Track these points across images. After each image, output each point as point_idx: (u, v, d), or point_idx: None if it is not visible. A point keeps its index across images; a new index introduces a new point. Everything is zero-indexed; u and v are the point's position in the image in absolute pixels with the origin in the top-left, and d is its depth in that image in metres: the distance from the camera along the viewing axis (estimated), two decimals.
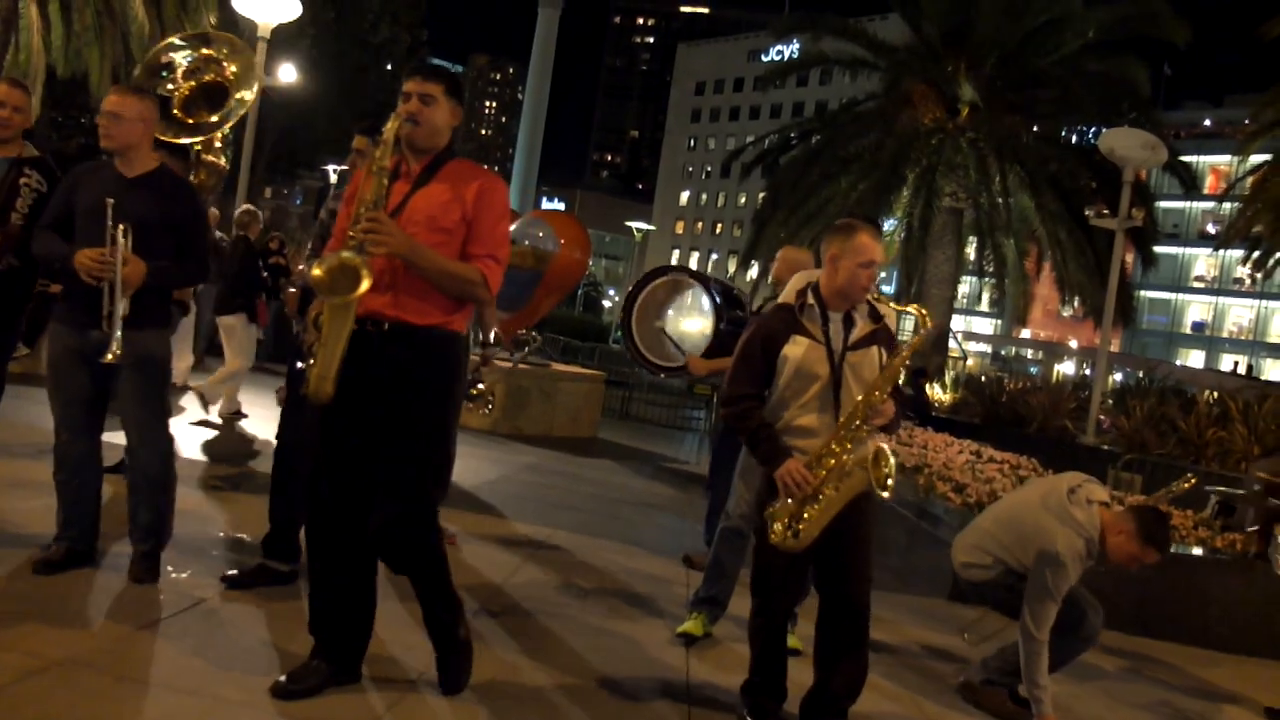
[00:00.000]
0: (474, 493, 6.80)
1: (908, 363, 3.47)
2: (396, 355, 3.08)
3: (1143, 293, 38.27)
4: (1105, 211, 15.71)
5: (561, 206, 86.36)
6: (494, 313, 5.95)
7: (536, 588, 4.79)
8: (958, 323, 41.98)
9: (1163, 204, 25.80)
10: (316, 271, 2.93)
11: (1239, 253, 22.15)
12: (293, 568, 4.14)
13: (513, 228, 11.55)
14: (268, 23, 13.02)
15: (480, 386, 5.89)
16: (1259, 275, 22.25)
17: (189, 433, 7.15)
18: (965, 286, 39.88)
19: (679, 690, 3.81)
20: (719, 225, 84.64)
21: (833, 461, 3.33)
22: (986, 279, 20.19)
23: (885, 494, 3.28)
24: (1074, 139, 22.01)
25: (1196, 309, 59.91)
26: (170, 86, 5.18)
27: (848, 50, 20.64)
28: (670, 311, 6.96)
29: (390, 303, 3.06)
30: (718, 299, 6.47)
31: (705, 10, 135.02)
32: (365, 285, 2.90)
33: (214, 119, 5.18)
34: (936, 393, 16.35)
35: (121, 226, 3.62)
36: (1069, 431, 13.75)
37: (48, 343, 3.91)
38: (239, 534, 4.57)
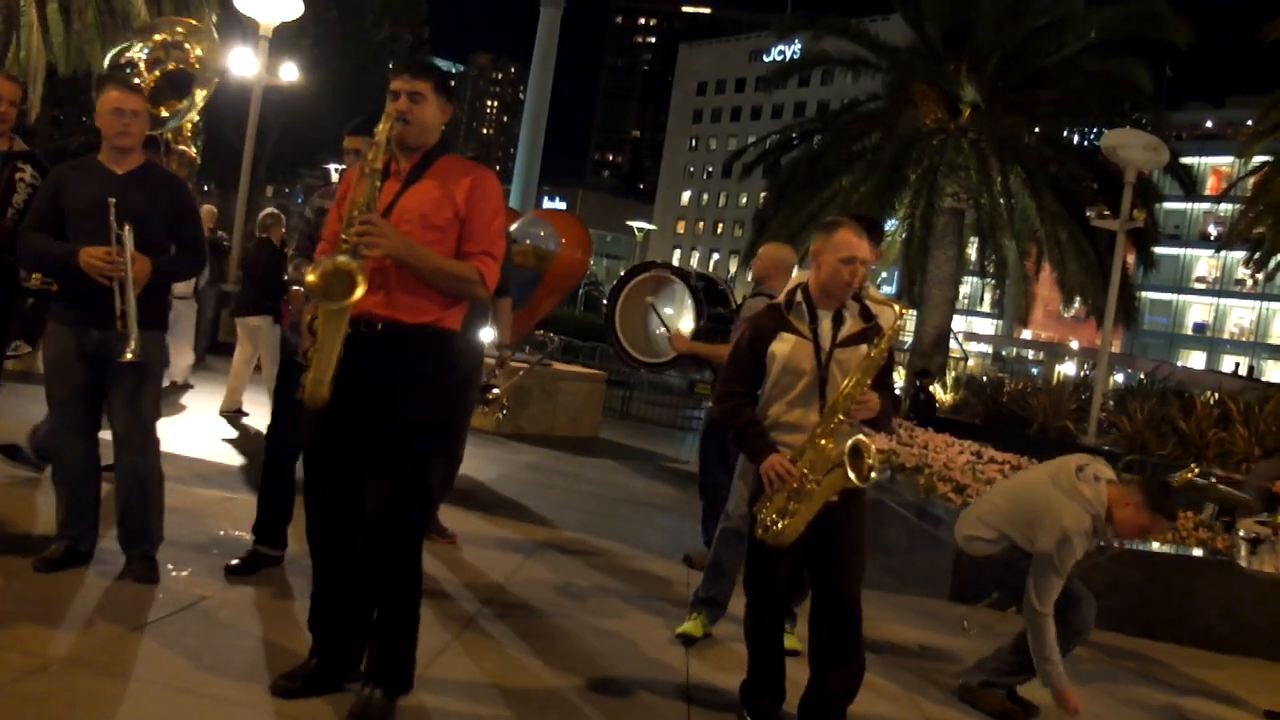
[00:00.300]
0: (475, 492, 6.80)
1: (886, 354, 3.47)
2: (390, 355, 3.05)
3: (1144, 294, 38.23)
4: (1106, 212, 15.69)
5: (563, 206, 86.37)
6: (509, 314, 5.96)
7: (537, 587, 4.79)
8: (959, 323, 41.93)
9: (1164, 205, 25.76)
10: (311, 277, 2.88)
11: (1240, 254, 22.11)
12: (281, 553, 4.28)
13: (514, 227, 11.60)
14: (269, 22, 13.05)
15: (495, 391, 5.88)
16: (1260, 277, 22.23)
17: (189, 431, 7.15)
18: (966, 287, 39.89)
19: (678, 690, 3.81)
20: (720, 225, 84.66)
21: (815, 455, 3.36)
22: (988, 279, 20.19)
23: (862, 483, 3.30)
24: (1076, 140, 22.01)
25: (1198, 310, 59.90)
26: (137, 81, 5.17)
27: (849, 50, 20.63)
28: (655, 308, 6.99)
29: (382, 302, 3.03)
30: (700, 295, 6.50)
31: (707, 10, 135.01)
32: (361, 290, 2.86)
33: (182, 104, 5.18)
34: (937, 393, 16.34)
35: (126, 225, 3.62)
36: (1070, 432, 13.74)
37: (45, 342, 3.90)
38: (238, 532, 4.56)
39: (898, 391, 6.00)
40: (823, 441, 3.37)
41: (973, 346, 54.12)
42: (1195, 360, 54.27)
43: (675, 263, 70.48)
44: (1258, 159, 17.80)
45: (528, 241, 10.82)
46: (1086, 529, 3.96)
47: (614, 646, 4.13)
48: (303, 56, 25.08)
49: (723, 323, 6.31)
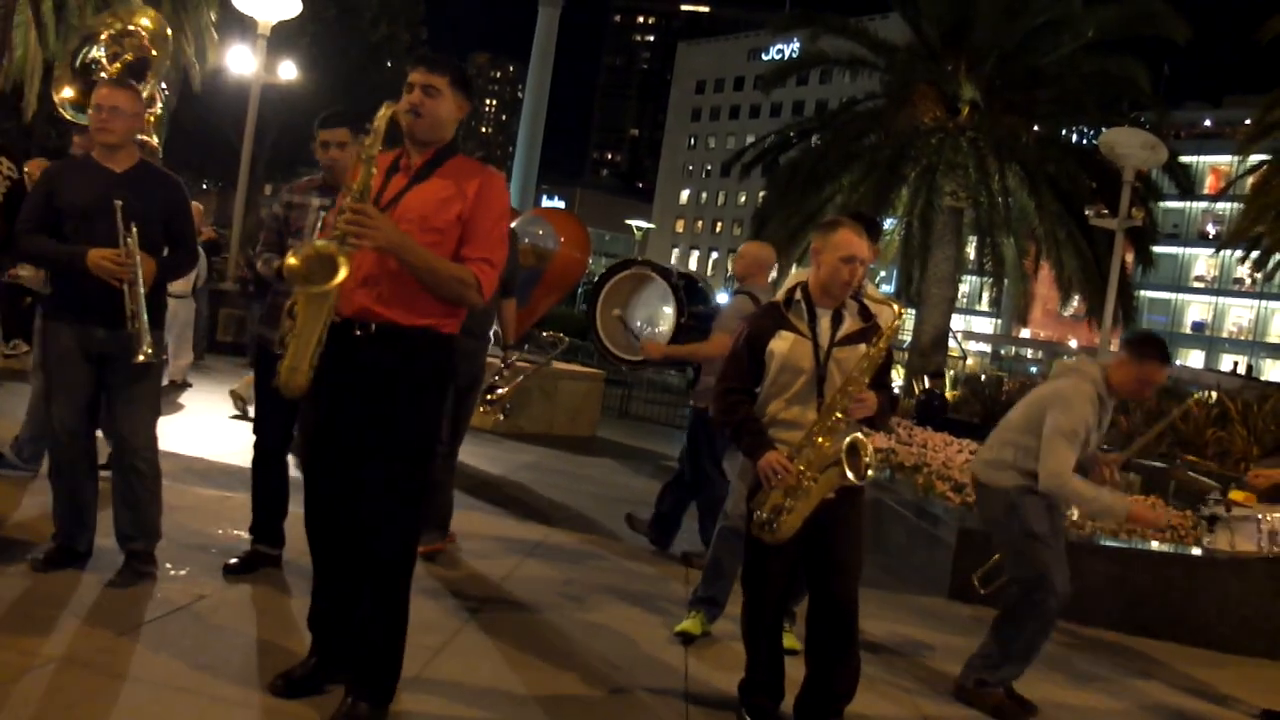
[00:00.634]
0: (473, 491, 6.79)
1: (884, 353, 3.49)
2: (384, 357, 2.97)
3: (1143, 292, 38.23)
4: (1105, 211, 15.69)
5: (562, 205, 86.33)
6: (514, 314, 5.96)
7: (535, 586, 4.79)
8: (957, 322, 41.88)
9: (1162, 204, 25.77)
10: (291, 260, 2.81)
11: (1239, 253, 22.12)
12: (280, 551, 4.27)
13: (513, 225, 11.57)
14: (268, 20, 13.03)
15: (500, 392, 5.86)
16: (1259, 275, 22.24)
17: (188, 430, 7.15)
18: (965, 286, 39.80)
19: (677, 689, 3.81)
20: (719, 224, 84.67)
21: (812, 453, 3.37)
22: (986, 278, 20.17)
23: (859, 481, 3.32)
24: (1074, 139, 22.00)
25: (1196, 309, 59.97)
26: (103, 75, 5.17)
27: (847, 49, 20.62)
28: (633, 305, 7.01)
29: (378, 301, 2.95)
30: (681, 292, 6.51)
31: (705, 9, 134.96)
32: (343, 274, 2.77)
33: (144, 89, 5.17)
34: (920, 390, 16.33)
35: (134, 226, 3.63)
36: None
37: (45, 340, 3.89)
38: (237, 531, 4.56)
39: (896, 391, 6.01)
40: (820, 439, 3.38)
41: (971, 345, 54.09)
42: (1194, 359, 54.31)
43: (675, 262, 70.57)
44: (1256, 158, 17.81)
45: (526, 240, 10.79)
46: (1088, 394, 4.05)
47: (612, 645, 4.13)
48: (301, 55, 25.07)
49: (703, 320, 6.34)
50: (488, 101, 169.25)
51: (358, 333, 2.96)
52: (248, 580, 4.08)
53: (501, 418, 6.07)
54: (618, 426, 12.66)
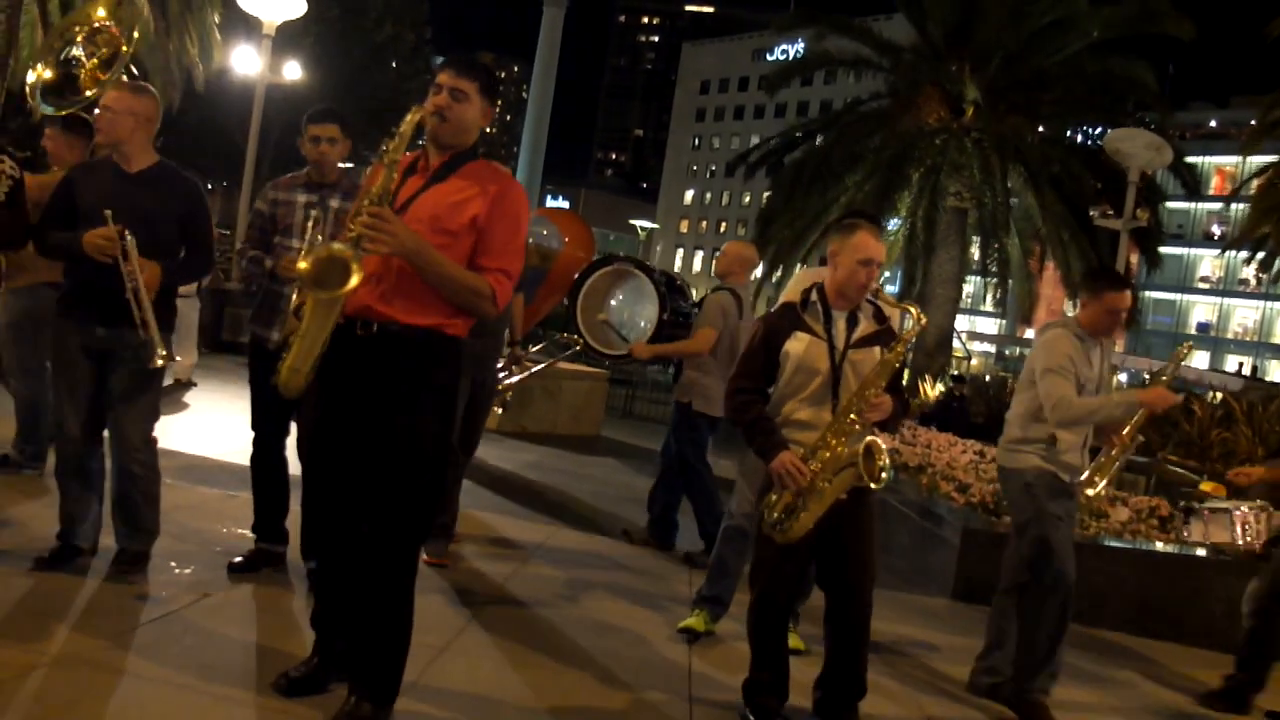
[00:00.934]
0: (476, 491, 6.79)
1: (902, 358, 3.53)
2: (388, 358, 2.91)
3: (1147, 293, 38.27)
4: (1110, 212, 15.67)
5: (566, 205, 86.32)
6: (521, 311, 5.98)
7: (539, 585, 4.79)
8: (962, 322, 41.86)
9: (1168, 204, 25.73)
10: (303, 264, 2.75)
11: (1244, 254, 22.07)
12: (283, 549, 4.27)
13: None
14: (272, 20, 13.05)
15: (502, 384, 5.87)
16: (1264, 276, 22.20)
17: (192, 429, 7.16)
18: (969, 286, 39.75)
19: (681, 689, 3.81)
20: (723, 224, 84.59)
21: (827, 454, 3.38)
22: (990, 279, 20.17)
23: (874, 484, 3.33)
24: (1079, 139, 21.98)
25: (1201, 310, 59.84)
26: (82, 73, 5.19)
27: (852, 50, 20.63)
28: (615, 301, 7.05)
29: (382, 300, 2.88)
30: (663, 289, 6.57)
31: (710, 9, 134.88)
32: (355, 281, 2.70)
33: (107, 76, 5.18)
34: (939, 392, 16.32)
35: (126, 232, 3.63)
36: None
37: (53, 338, 3.92)
38: (240, 530, 4.57)
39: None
40: (834, 441, 3.39)
41: (975, 346, 54.07)
42: (1199, 360, 54.19)
43: (679, 262, 70.24)
44: (1262, 159, 17.78)
45: (531, 240, 10.80)
46: (1063, 335, 4.20)
47: (616, 645, 4.13)
48: (305, 55, 25.11)
49: (684, 315, 6.49)
50: (494, 115, 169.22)
51: (360, 332, 2.90)
52: (251, 579, 4.08)
53: (499, 410, 6.09)
54: (621, 426, 12.65)
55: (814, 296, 3.58)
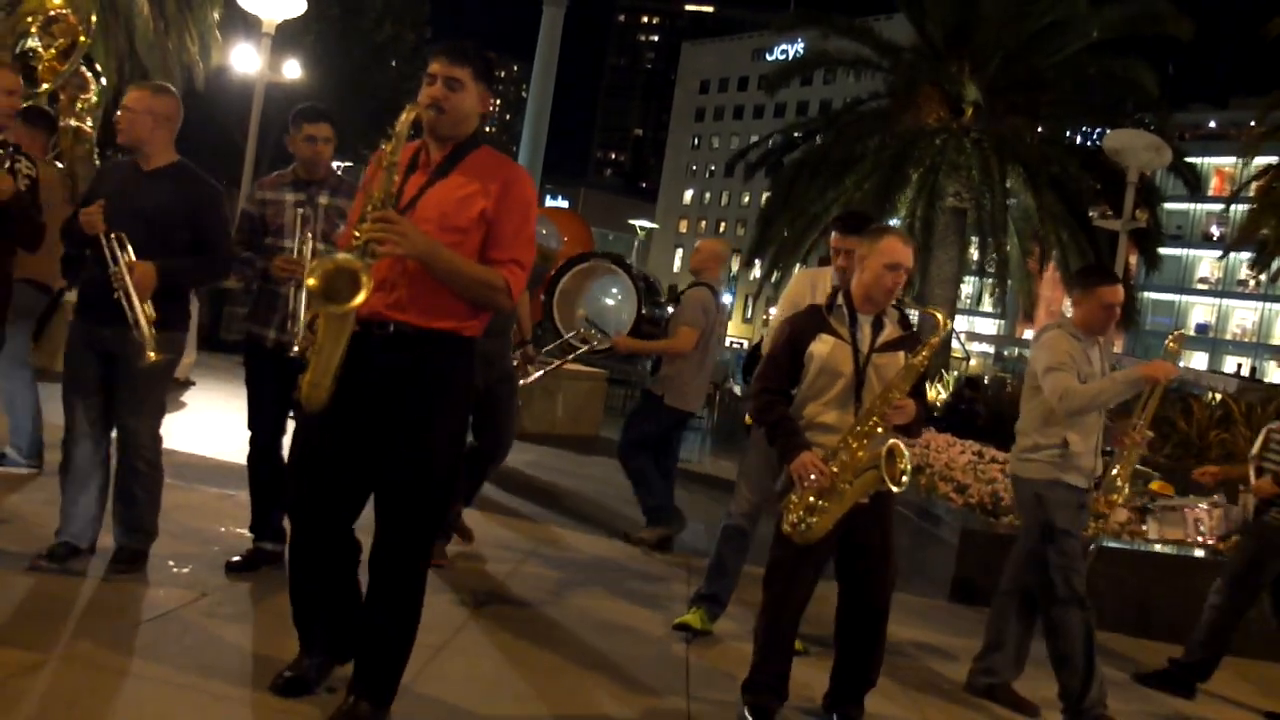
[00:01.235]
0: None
1: (927, 364, 3.55)
2: (402, 361, 2.84)
3: (1146, 294, 38.21)
4: (1109, 212, 15.68)
5: (565, 204, 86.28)
6: (529, 310, 5.99)
7: (537, 585, 4.79)
8: (960, 323, 41.91)
9: (1167, 205, 25.72)
10: (311, 281, 2.66)
11: (1243, 255, 22.08)
12: (282, 548, 4.18)
13: None
14: (272, 19, 13.02)
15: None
16: (1263, 277, 22.21)
17: (191, 428, 7.15)
18: (968, 287, 39.78)
19: (679, 688, 3.81)
20: (723, 224, 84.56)
21: (847, 457, 3.40)
22: (989, 279, 20.19)
23: (895, 487, 3.36)
24: (1078, 140, 21.99)
25: (1200, 311, 59.85)
26: (40, 65, 5.18)
27: (852, 50, 20.63)
28: (592, 296, 7.09)
29: (395, 303, 2.82)
30: (641, 286, 6.63)
31: (709, 9, 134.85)
32: (364, 294, 2.63)
33: (65, 67, 5.17)
34: (939, 393, 16.33)
35: (114, 235, 3.65)
36: None
37: (67, 337, 3.95)
38: (239, 529, 4.56)
39: None
40: (855, 444, 3.41)
41: (974, 346, 54.07)
42: (1198, 361, 54.23)
43: (679, 262, 70.08)
44: (1262, 160, 17.79)
45: None
46: (1060, 335, 4.21)
47: (615, 644, 4.13)
48: (305, 54, 25.11)
49: (660, 309, 6.58)
50: (492, 100, 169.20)
51: (376, 331, 2.83)
52: (249, 578, 4.08)
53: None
54: (620, 426, 12.65)
55: (840, 300, 3.61)
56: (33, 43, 5.11)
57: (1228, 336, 58.66)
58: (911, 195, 19.11)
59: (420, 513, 2.93)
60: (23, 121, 4.91)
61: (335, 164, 4.35)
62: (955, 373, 21.10)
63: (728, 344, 51.08)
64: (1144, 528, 5.92)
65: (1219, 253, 46.98)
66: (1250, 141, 18.21)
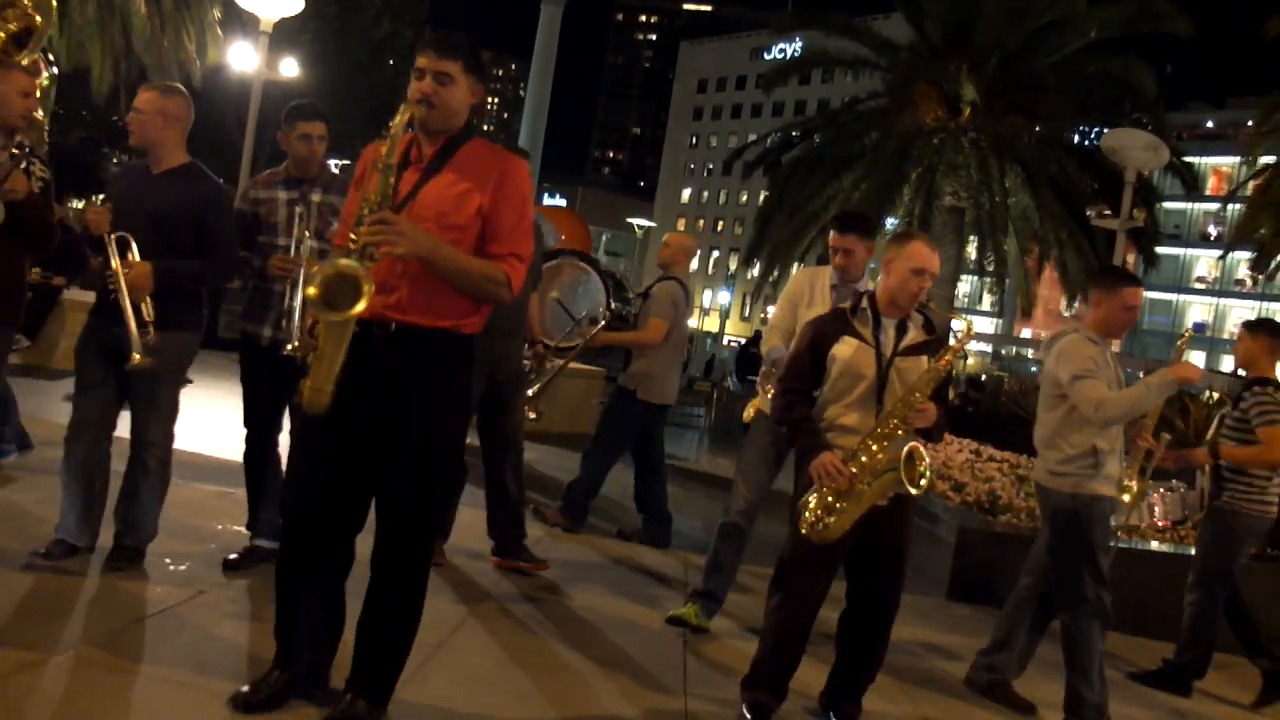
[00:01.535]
0: (471, 488, 6.77)
1: (950, 368, 3.56)
2: (402, 359, 2.82)
3: (1144, 293, 38.29)
4: (1107, 212, 15.68)
5: (563, 203, 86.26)
6: (536, 309, 6.00)
7: (535, 583, 4.79)
8: (958, 323, 41.81)
9: (1164, 205, 25.73)
10: (311, 290, 2.63)
11: (1241, 254, 22.10)
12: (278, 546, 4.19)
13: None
14: (270, 17, 13.01)
15: (529, 392, 5.87)
16: (1260, 277, 22.23)
17: (189, 427, 7.12)
18: (966, 286, 39.87)
19: (677, 686, 3.81)
20: (720, 222, 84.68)
21: (867, 459, 3.41)
22: (987, 278, 20.18)
23: (914, 489, 3.37)
24: (1076, 139, 21.98)
25: (1198, 310, 59.90)
26: None
27: (850, 49, 20.61)
28: (562, 292, 7.14)
29: (396, 303, 2.80)
30: (609, 283, 6.69)
31: (708, 8, 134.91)
32: (365, 301, 2.61)
33: (25, 61, 5.13)
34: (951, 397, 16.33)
35: (116, 235, 3.67)
36: None
37: (80, 334, 3.97)
38: (236, 527, 4.56)
39: None
40: (875, 446, 3.42)
41: (972, 345, 54.04)
42: (1195, 360, 54.18)
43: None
44: (1262, 159, 17.80)
45: None
46: (1079, 340, 4.13)
47: (612, 642, 4.13)
48: (303, 52, 25.09)
49: (627, 305, 6.64)
50: (489, 100, 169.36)
51: (377, 330, 2.80)
52: (246, 575, 4.08)
53: (534, 416, 6.08)
54: None
55: (865, 303, 3.62)
56: None
57: (1225, 336, 58.69)
58: (909, 194, 19.09)
59: (421, 511, 2.92)
60: None
61: (332, 162, 4.36)
62: (954, 372, 21.09)
63: (726, 342, 51.10)
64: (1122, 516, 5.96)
65: (1217, 252, 46.97)
66: (1251, 140, 18.21)
